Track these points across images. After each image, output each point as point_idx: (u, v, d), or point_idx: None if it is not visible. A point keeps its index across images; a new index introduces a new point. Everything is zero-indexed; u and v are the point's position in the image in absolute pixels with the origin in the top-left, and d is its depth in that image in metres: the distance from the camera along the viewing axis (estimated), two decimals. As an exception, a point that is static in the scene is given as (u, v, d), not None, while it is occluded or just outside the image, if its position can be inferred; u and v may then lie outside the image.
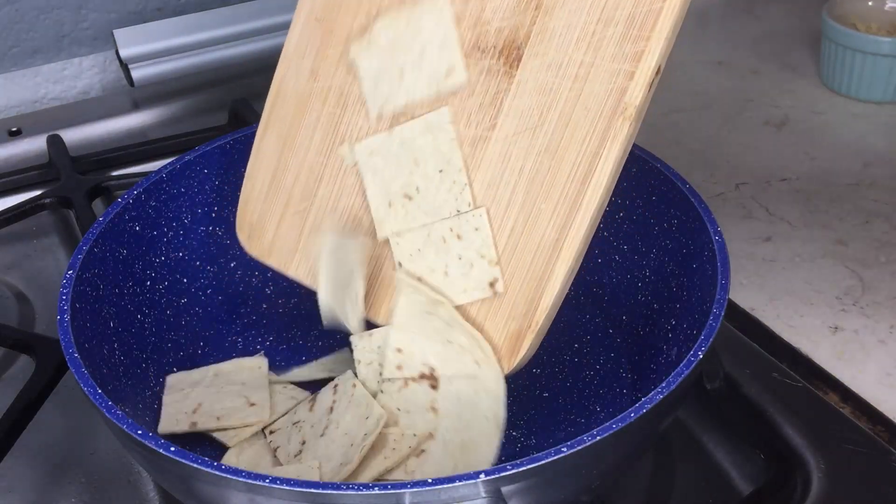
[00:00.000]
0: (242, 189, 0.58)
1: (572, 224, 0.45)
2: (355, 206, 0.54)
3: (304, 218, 0.55)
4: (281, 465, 0.50)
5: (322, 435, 0.50)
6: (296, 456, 0.50)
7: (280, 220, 0.56)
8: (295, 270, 0.56)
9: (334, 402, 0.52)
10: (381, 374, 0.52)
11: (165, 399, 0.54)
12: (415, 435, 0.48)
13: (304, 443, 0.50)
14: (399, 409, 0.50)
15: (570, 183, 0.46)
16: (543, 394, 0.55)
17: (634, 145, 0.58)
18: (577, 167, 0.46)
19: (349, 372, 0.53)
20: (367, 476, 0.47)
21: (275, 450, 0.51)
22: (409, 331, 0.51)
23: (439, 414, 0.49)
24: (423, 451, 0.48)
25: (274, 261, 0.56)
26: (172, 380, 0.55)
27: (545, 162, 0.47)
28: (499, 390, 0.49)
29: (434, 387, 0.50)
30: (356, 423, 0.49)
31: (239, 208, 0.58)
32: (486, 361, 0.49)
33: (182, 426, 0.51)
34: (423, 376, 0.50)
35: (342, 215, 0.54)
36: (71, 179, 0.75)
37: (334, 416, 0.50)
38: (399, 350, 0.51)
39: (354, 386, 0.52)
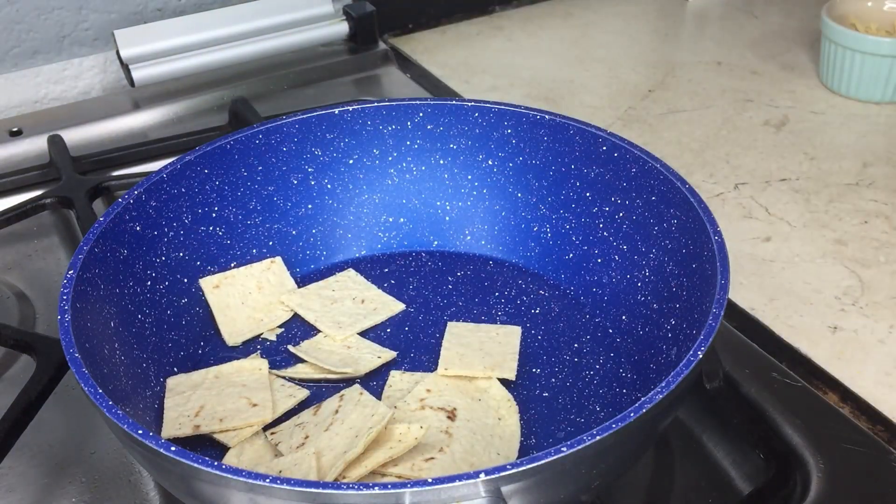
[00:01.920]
0: None
1: None
2: None
3: None
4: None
5: (326, 430, 0.50)
6: (298, 448, 0.50)
7: None
8: None
9: (340, 406, 0.52)
10: (402, 399, 0.54)
11: (167, 403, 0.54)
12: (422, 427, 0.48)
13: (307, 437, 0.50)
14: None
15: None
16: (543, 394, 0.55)
17: (634, 145, 0.58)
18: None
19: (356, 385, 0.54)
20: (370, 464, 0.47)
21: (276, 444, 0.51)
22: (445, 382, 0.54)
23: (452, 438, 0.50)
24: (431, 458, 0.48)
25: None
26: (172, 382, 0.55)
27: None
28: (514, 439, 0.51)
29: (451, 419, 0.51)
30: (361, 420, 0.50)
31: None
32: (508, 415, 0.52)
33: (185, 430, 0.51)
34: (442, 409, 0.52)
35: None
36: (71, 179, 0.75)
37: (339, 416, 0.51)
38: (428, 390, 0.54)
39: (361, 394, 0.52)
